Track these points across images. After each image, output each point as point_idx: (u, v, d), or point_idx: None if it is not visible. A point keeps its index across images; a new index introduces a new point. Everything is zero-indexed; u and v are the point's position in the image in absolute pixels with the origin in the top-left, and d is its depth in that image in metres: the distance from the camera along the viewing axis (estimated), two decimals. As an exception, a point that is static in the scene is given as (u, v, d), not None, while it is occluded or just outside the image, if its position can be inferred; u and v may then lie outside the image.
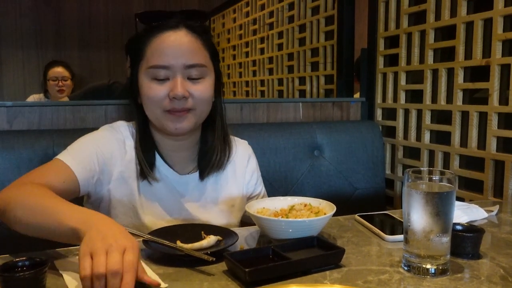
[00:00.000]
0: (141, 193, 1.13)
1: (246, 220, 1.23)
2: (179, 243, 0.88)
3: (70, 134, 1.42)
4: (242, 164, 1.27)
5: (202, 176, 1.19)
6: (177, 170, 1.17)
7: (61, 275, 0.78)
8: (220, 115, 1.21)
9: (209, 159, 1.19)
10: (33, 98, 3.46)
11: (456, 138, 1.63)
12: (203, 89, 1.10)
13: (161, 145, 1.17)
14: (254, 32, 3.39)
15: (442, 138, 1.71)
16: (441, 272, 0.80)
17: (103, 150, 1.11)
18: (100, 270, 0.67)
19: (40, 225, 0.85)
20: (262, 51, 3.26)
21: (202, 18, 1.17)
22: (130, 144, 1.15)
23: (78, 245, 0.94)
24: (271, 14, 3.10)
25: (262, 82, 3.24)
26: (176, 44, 1.08)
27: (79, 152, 1.09)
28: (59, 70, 3.37)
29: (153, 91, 1.07)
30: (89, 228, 0.76)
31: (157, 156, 1.16)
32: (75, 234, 0.78)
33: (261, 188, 1.32)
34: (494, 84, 1.47)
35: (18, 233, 0.88)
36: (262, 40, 3.26)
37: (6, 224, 0.91)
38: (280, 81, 2.94)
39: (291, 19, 2.78)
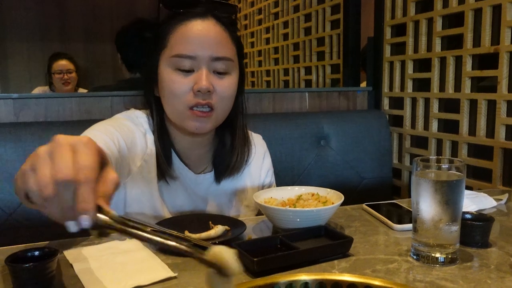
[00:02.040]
0: (160, 191, 1.08)
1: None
2: (187, 233, 0.88)
3: (76, 126, 1.42)
4: (258, 162, 1.24)
5: (218, 179, 1.15)
6: (192, 168, 1.13)
7: (71, 265, 0.78)
8: (241, 114, 1.16)
9: (227, 162, 1.14)
10: (38, 90, 3.49)
11: (464, 126, 1.62)
12: (227, 85, 1.04)
13: (177, 141, 1.12)
14: (260, 22, 3.37)
15: (450, 127, 1.70)
16: (450, 260, 0.80)
17: (127, 141, 1.02)
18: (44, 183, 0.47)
19: None
20: (267, 41, 3.25)
21: (231, 10, 1.10)
22: (151, 138, 1.09)
23: (86, 236, 0.95)
24: (276, 4, 3.08)
25: (267, 72, 3.23)
26: (203, 34, 1.01)
27: (104, 133, 0.97)
28: (63, 63, 3.38)
29: (177, 85, 1.01)
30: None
31: (173, 153, 1.12)
32: None
33: (271, 179, 1.28)
34: (503, 72, 1.46)
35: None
36: (267, 30, 3.25)
37: None
38: (286, 71, 2.92)
39: (296, 8, 2.76)
